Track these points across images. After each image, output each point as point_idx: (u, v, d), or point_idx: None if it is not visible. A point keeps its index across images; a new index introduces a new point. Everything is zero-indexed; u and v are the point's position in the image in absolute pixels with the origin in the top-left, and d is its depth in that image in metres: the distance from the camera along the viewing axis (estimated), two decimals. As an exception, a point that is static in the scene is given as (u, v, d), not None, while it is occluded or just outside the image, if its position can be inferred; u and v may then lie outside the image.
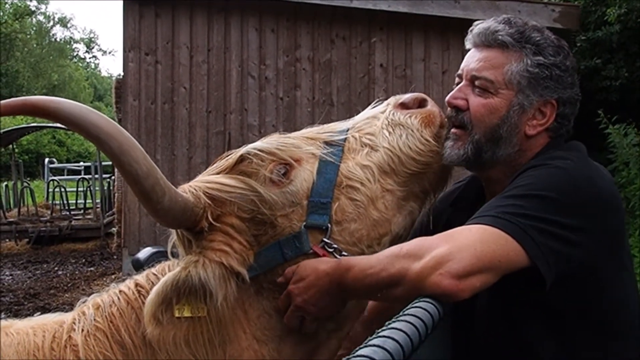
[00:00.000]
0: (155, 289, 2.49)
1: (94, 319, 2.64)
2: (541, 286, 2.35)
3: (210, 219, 2.58)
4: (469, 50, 2.84)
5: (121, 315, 2.64)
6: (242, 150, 2.69)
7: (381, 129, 2.81)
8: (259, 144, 2.72)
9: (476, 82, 2.73)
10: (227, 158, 2.73)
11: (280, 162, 2.68)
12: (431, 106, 2.88)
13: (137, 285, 2.74)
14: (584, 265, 2.46)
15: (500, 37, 2.70)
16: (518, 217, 2.34)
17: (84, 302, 2.77)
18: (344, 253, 2.62)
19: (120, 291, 2.73)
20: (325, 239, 2.62)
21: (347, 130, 2.84)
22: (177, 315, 2.48)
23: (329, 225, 2.63)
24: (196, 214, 2.55)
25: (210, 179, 2.67)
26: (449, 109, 2.82)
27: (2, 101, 2.17)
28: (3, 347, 2.53)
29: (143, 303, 2.58)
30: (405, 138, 2.76)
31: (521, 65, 2.67)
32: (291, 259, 2.61)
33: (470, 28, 2.82)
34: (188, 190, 2.58)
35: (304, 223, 2.63)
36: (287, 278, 2.58)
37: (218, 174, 2.71)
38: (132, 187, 2.33)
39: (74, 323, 2.65)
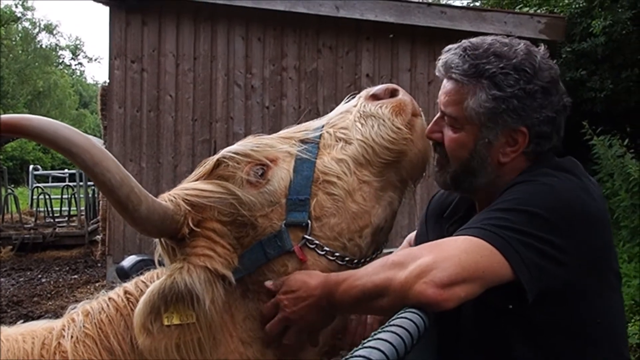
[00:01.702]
0: (142, 299, 2.49)
1: (83, 326, 2.64)
2: (524, 300, 2.35)
3: (192, 225, 2.58)
4: None
5: (110, 322, 2.65)
6: (218, 155, 2.71)
7: (354, 121, 2.83)
8: (234, 147, 2.74)
9: (445, 117, 2.74)
10: (204, 164, 2.75)
11: (256, 163, 2.70)
12: (402, 95, 2.90)
13: (126, 292, 2.74)
14: (567, 282, 2.46)
15: (453, 74, 2.68)
16: (504, 230, 2.35)
17: (73, 309, 2.77)
18: (325, 248, 2.64)
19: (109, 298, 2.74)
20: (306, 236, 2.63)
21: (322, 127, 2.86)
22: (166, 323, 2.48)
23: (309, 221, 2.64)
24: (177, 221, 2.55)
25: (188, 186, 2.68)
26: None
27: None
28: None
29: (132, 310, 2.59)
30: (378, 128, 2.78)
31: (476, 101, 2.62)
32: (274, 258, 2.63)
33: (443, 54, 2.80)
34: (167, 198, 2.59)
35: (284, 221, 2.64)
36: (276, 287, 2.59)
37: (197, 180, 2.72)
38: (108, 197, 2.35)
39: (63, 330, 2.65)
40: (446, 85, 2.74)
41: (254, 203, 2.63)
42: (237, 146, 2.74)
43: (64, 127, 2.26)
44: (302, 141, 2.81)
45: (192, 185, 2.68)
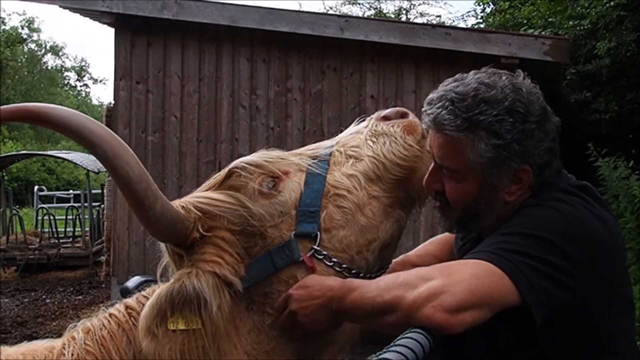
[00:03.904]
0: (149, 302, 2.52)
1: (84, 343, 2.65)
2: (531, 325, 2.34)
3: (202, 231, 2.61)
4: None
5: (112, 338, 2.66)
6: (231, 165, 2.74)
7: (365, 140, 2.87)
8: (247, 158, 2.78)
9: (444, 170, 2.71)
10: (216, 175, 2.78)
11: (269, 174, 2.73)
12: (412, 117, 2.93)
13: (127, 307, 2.77)
14: (575, 307, 2.45)
15: (448, 131, 2.61)
16: (513, 254, 2.35)
17: (73, 327, 2.78)
18: (334, 259, 2.67)
19: (110, 314, 2.76)
20: (314, 246, 2.66)
21: (332, 146, 2.90)
22: (171, 328, 2.49)
23: (318, 232, 2.67)
24: (187, 226, 2.58)
25: (200, 195, 2.72)
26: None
27: (1, 107, 2.22)
28: None
29: (134, 325, 2.62)
30: (389, 145, 2.83)
31: (477, 152, 2.59)
32: (282, 268, 2.65)
33: (423, 108, 2.75)
34: (178, 204, 2.62)
35: (294, 232, 2.67)
36: (290, 285, 2.63)
37: (208, 189, 2.76)
38: (124, 191, 2.35)
39: (64, 348, 2.66)
40: (439, 138, 2.68)
41: (264, 215, 2.66)
42: (250, 157, 2.78)
43: (86, 119, 2.30)
44: (313, 157, 2.84)
45: (204, 194, 2.71)
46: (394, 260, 3.15)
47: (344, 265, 2.69)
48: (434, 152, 2.72)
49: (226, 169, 2.76)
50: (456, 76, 2.75)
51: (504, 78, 2.66)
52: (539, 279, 2.33)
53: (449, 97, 2.62)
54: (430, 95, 2.72)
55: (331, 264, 2.68)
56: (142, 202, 2.37)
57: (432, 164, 2.76)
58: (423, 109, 2.73)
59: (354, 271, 2.72)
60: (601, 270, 2.51)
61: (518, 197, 2.69)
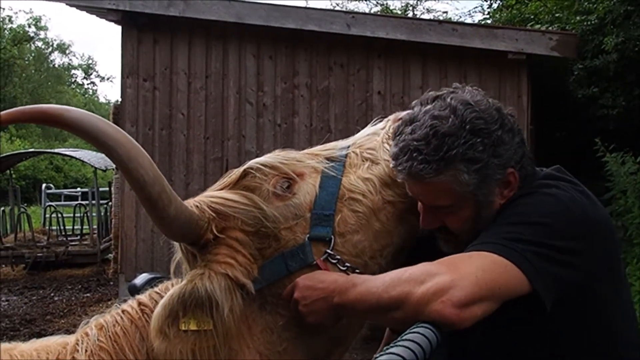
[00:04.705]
0: (161, 302, 2.53)
1: (97, 339, 2.67)
2: (539, 311, 2.35)
3: (215, 232, 2.61)
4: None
5: (125, 334, 2.68)
6: (246, 165, 2.74)
7: (381, 143, 2.86)
8: (262, 159, 2.77)
9: (437, 210, 2.69)
10: (230, 174, 2.78)
11: (283, 176, 2.73)
12: None
13: (140, 304, 2.78)
14: (580, 287, 2.47)
15: (427, 178, 2.55)
16: (516, 243, 2.36)
17: (86, 324, 2.79)
18: (347, 264, 2.66)
19: (123, 311, 2.77)
20: (328, 250, 2.66)
21: (348, 147, 2.89)
22: (183, 328, 2.50)
23: (332, 236, 2.67)
24: (201, 226, 2.58)
25: (214, 194, 2.72)
26: None
27: (16, 108, 2.26)
28: None
29: (147, 322, 2.64)
30: None
31: (462, 183, 2.55)
32: (295, 270, 2.65)
33: (390, 164, 2.69)
34: (192, 204, 2.62)
35: (308, 235, 2.67)
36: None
37: (222, 189, 2.75)
38: (139, 193, 2.37)
39: (77, 344, 2.67)
40: (421, 186, 2.63)
41: (278, 217, 2.66)
42: (265, 158, 2.78)
43: (101, 121, 2.30)
44: (329, 159, 2.84)
45: (218, 194, 2.71)
46: None
47: (357, 270, 2.69)
48: (419, 199, 2.71)
49: (241, 169, 2.75)
50: (402, 115, 2.75)
51: (448, 100, 2.61)
52: (545, 265, 2.35)
53: (412, 148, 2.56)
54: (392, 150, 2.66)
55: (344, 268, 2.67)
56: (156, 204, 2.38)
57: (420, 206, 2.74)
58: (391, 165, 2.68)
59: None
60: (601, 248, 2.54)
61: (510, 196, 2.70)
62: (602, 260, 2.54)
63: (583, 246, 2.45)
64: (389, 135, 2.85)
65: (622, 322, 2.67)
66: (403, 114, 2.87)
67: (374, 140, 2.89)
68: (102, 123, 2.28)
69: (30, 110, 2.25)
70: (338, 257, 2.66)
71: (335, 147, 2.93)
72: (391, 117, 2.98)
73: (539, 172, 2.79)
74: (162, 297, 2.61)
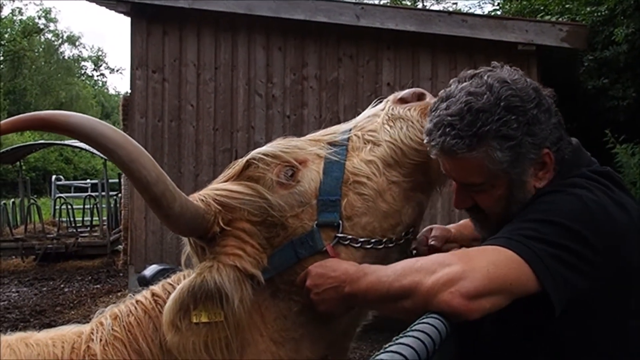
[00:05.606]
0: (172, 296, 2.55)
1: (112, 329, 2.71)
2: (549, 313, 2.33)
3: (222, 224, 2.63)
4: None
5: (139, 324, 2.71)
6: (248, 156, 2.75)
7: (382, 124, 2.86)
8: (263, 148, 2.79)
9: (469, 188, 2.69)
10: (234, 166, 2.79)
11: (286, 164, 2.74)
12: (429, 99, 2.89)
13: (153, 294, 2.81)
14: (593, 295, 2.43)
15: (460, 153, 2.55)
16: (532, 241, 2.34)
17: (101, 313, 2.84)
18: (360, 239, 2.68)
19: (137, 301, 2.81)
20: (338, 234, 2.67)
21: (350, 130, 2.89)
22: (194, 321, 2.53)
23: (340, 221, 2.68)
24: (207, 220, 2.60)
25: (218, 187, 2.73)
26: None
27: (13, 117, 2.26)
28: (24, 357, 2.59)
29: (160, 312, 2.66)
30: (406, 130, 2.81)
31: (494, 160, 2.54)
32: (305, 257, 2.67)
33: (424, 139, 2.68)
34: (198, 198, 2.64)
35: (316, 222, 2.68)
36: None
37: (226, 181, 2.77)
38: (143, 194, 2.39)
39: (92, 333, 2.72)
40: (454, 162, 2.63)
41: (284, 205, 2.67)
42: (267, 147, 2.79)
43: (101, 124, 2.32)
44: (331, 144, 2.84)
45: (222, 186, 2.73)
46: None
47: (373, 240, 2.71)
48: (452, 176, 2.70)
49: (244, 160, 2.76)
50: (440, 93, 2.71)
51: (485, 77, 2.62)
52: (558, 267, 2.32)
53: (446, 123, 2.56)
54: (427, 126, 2.66)
55: (358, 244, 2.69)
56: (160, 203, 2.40)
57: (454, 185, 2.75)
58: (425, 141, 2.68)
59: (383, 243, 2.73)
60: (621, 258, 2.48)
61: (548, 180, 2.68)
62: (621, 270, 2.48)
63: (600, 254, 2.40)
64: (389, 116, 2.85)
65: (632, 332, 2.58)
66: (402, 93, 2.88)
67: (375, 122, 2.88)
68: (102, 126, 2.30)
69: (30, 117, 2.27)
70: (350, 236, 2.68)
71: (337, 131, 2.92)
72: (390, 97, 2.98)
73: (586, 160, 2.76)
74: (174, 288, 2.63)
